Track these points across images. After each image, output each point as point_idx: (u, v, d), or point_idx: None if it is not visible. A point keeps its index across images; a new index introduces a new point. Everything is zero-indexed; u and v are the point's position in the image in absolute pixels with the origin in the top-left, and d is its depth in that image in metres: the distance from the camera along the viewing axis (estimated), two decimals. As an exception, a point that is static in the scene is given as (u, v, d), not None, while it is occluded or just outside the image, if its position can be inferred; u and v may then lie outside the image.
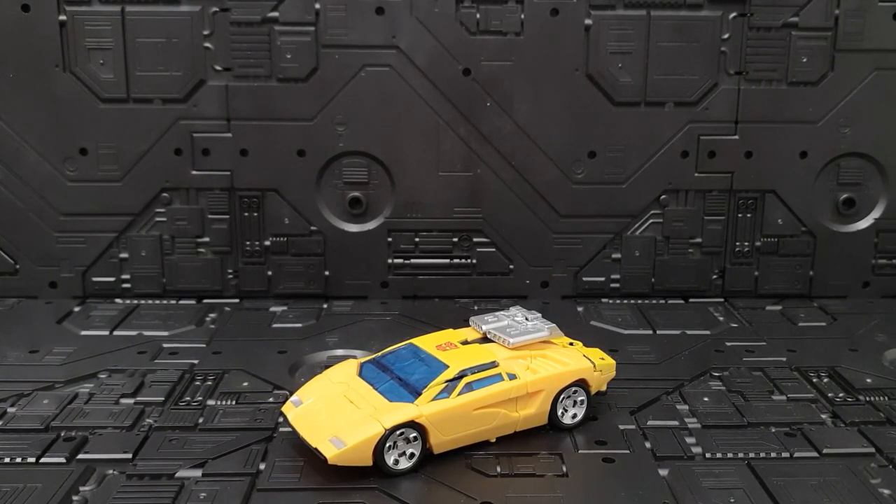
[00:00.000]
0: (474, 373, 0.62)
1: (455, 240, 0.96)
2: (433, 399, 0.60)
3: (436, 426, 0.60)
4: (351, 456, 0.57)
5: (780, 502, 0.57)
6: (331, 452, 0.57)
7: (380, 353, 0.68)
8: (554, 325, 0.69)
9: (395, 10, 0.90)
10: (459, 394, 0.61)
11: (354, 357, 0.80)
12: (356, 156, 0.93)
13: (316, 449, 0.58)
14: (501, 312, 0.72)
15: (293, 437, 0.62)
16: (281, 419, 0.67)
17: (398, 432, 0.59)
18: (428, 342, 0.67)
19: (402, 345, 0.68)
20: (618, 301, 0.96)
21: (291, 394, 0.65)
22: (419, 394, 0.60)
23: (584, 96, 0.92)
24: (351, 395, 0.62)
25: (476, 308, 0.93)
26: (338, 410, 0.61)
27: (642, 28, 0.91)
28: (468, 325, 0.70)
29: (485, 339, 0.68)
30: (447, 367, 0.62)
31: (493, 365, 0.64)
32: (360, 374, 0.65)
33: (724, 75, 0.92)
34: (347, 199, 0.94)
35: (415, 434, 0.59)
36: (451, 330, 0.71)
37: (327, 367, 0.78)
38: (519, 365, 0.65)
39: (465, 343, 0.67)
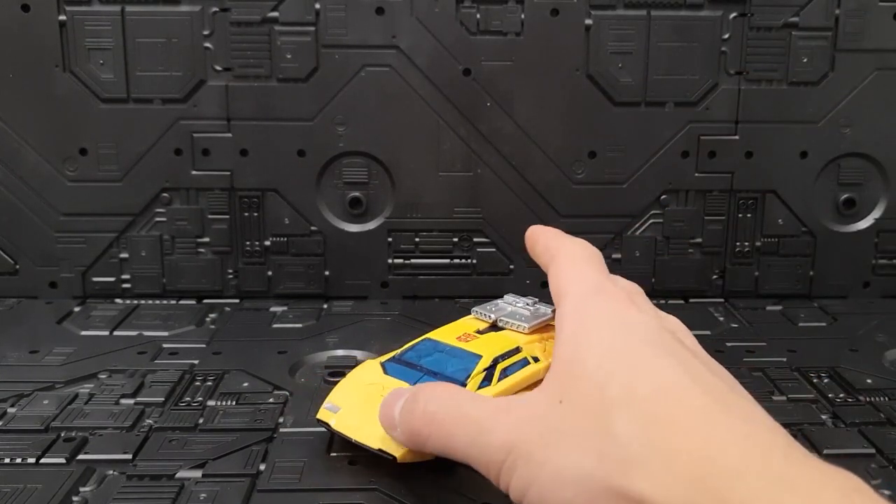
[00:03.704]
0: (504, 359, 0.63)
1: (455, 240, 0.96)
2: (478, 388, 0.61)
3: None
4: (418, 451, 0.57)
5: (780, 503, 0.57)
6: (399, 451, 0.57)
7: (398, 352, 0.67)
8: (554, 306, 0.70)
9: (395, 10, 0.90)
10: (498, 380, 0.62)
11: (355, 357, 0.80)
12: (356, 156, 0.93)
13: (381, 450, 0.57)
14: (499, 301, 0.73)
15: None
16: (282, 418, 0.67)
17: None
18: (445, 335, 0.67)
19: (418, 341, 0.67)
20: (618, 301, 0.96)
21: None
22: (462, 384, 0.60)
23: (584, 96, 0.92)
24: None
25: (476, 308, 0.93)
26: None
27: (642, 28, 0.91)
28: (467, 317, 0.71)
29: (492, 328, 0.68)
30: (480, 356, 0.63)
31: (518, 350, 0.65)
32: (387, 374, 0.64)
33: (724, 75, 0.92)
34: (347, 199, 0.94)
35: None
36: (458, 322, 0.71)
37: (327, 367, 0.78)
38: (537, 347, 0.66)
39: (480, 332, 0.68)
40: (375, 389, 0.62)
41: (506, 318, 0.69)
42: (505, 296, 0.74)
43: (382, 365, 0.65)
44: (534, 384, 0.63)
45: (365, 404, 0.60)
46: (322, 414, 0.62)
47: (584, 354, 0.47)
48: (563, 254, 0.58)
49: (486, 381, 0.61)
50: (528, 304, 0.71)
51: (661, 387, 0.44)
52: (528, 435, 0.46)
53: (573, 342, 0.49)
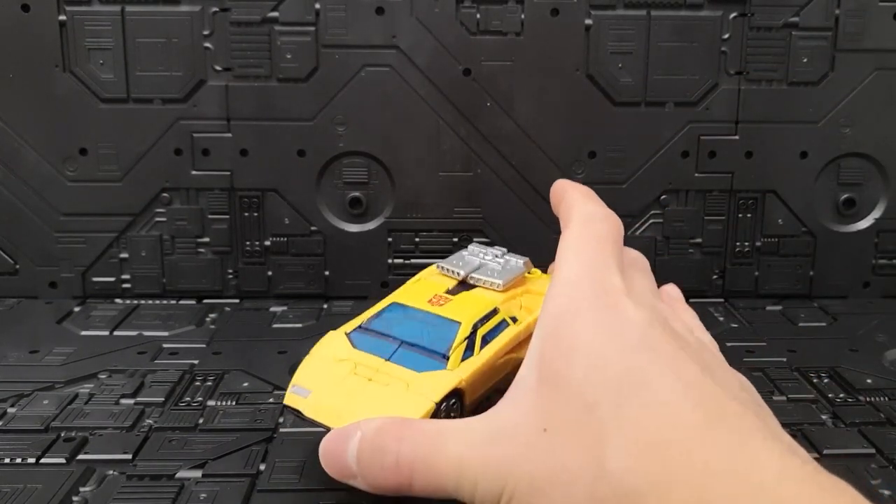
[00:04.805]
0: (483, 324, 0.60)
1: (455, 240, 0.96)
2: (462, 360, 0.57)
3: (471, 387, 0.57)
4: None
5: (780, 503, 0.57)
6: None
7: (364, 319, 0.62)
8: (526, 258, 0.67)
9: (395, 10, 0.90)
10: (480, 349, 0.59)
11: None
12: (356, 156, 0.93)
13: None
14: (465, 253, 0.68)
15: (305, 428, 0.59)
16: (282, 417, 0.67)
17: (443, 403, 0.55)
18: (413, 298, 0.63)
19: (385, 306, 0.63)
20: (618, 301, 0.96)
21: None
22: (444, 357, 0.57)
23: (584, 96, 0.92)
24: (364, 373, 0.57)
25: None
26: (363, 392, 0.55)
27: (642, 28, 0.91)
28: (431, 271, 0.67)
29: (462, 286, 0.65)
30: (459, 323, 0.59)
31: (496, 312, 0.61)
32: (357, 348, 0.59)
33: (724, 75, 0.92)
34: (347, 199, 0.94)
35: (454, 401, 0.56)
36: (422, 279, 0.66)
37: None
38: (514, 305, 0.63)
39: (450, 293, 0.63)
40: (347, 367, 0.57)
41: (477, 276, 0.64)
42: (470, 246, 0.69)
43: (348, 336, 0.61)
44: (515, 347, 0.60)
45: (337, 386, 0.56)
46: (290, 399, 0.57)
47: (568, 365, 0.44)
48: (575, 223, 0.53)
49: (469, 350, 0.58)
50: (496, 257, 0.67)
51: (653, 404, 0.41)
52: (517, 477, 0.44)
53: (555, 344, 0.46)
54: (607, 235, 0.52)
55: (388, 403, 0.54)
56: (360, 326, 0.62)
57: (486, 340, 0.59)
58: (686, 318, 0.57)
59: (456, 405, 0.56)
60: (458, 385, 0.56)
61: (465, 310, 0.61)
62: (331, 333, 0.62)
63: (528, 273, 0.68)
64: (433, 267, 0.67)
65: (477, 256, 0.67)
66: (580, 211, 0.54)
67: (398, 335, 0.59)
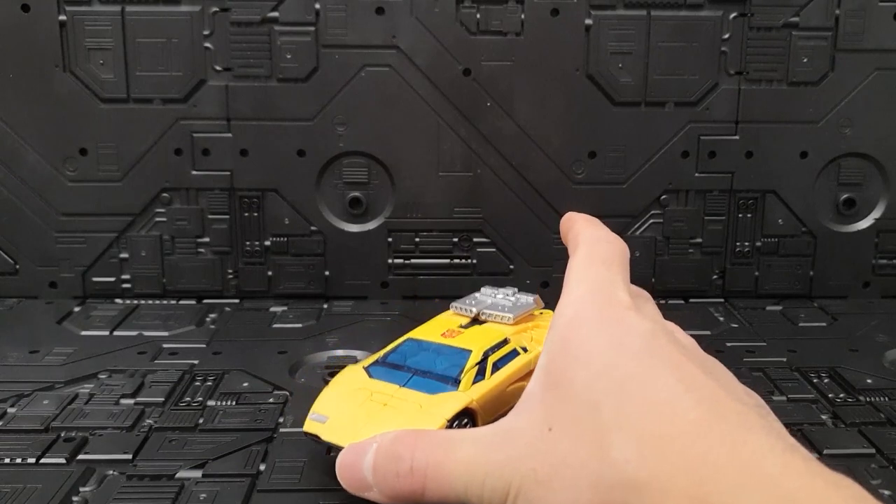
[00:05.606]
0: (494, 352, 0.62)
1: (455, 240, 0.96)
2: (473, 383, 0.60)
3: (483, 408, 0.59)
4: None
5: (780, 503, 0.57)
6: None
7: (380, 354, 0.66)
8: (536, 295, 0.70)
9: (395, 10, 0.90)
10: (491, 374, 0.61)
11: (355, 358, 0.80)
12: (356, 156, 0.93)
13: None
14: (477, 294, 0.72)
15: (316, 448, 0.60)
16: (282, 417, 0.67)
17: (455, 422, 0.57)
18: (428, 333, 0.66)
19: (401, 341, 0.66)
20: (618, 301, 0.96)
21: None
22: (456, 381, 0.60)
23: (584, 96, 0.92)
24: (380, 399, 0.59)
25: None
26: (378, 415, 0.58)
27: (642, 28, 0.91)
28: (446, 313, 0.70)
29: (474, 322, 0.68)
30: (470, 351, 0.62)
31: (506, 342, 0.64)
32: (373, 378, 0.62)
33: (724, 75, 0.92)
34: (347, 199, 0.94)
35: (466, 420, 0.58)
36: (437, 318, 0.70)
37: (327, 367, 0.78)
38: (524, 338, 0.66)
39: (463, 328, 0.67)
40: (363, 395, 0.60)
41: (488, 311, 0.68)
42: (482, 289, 0.73)
43: (366, 370, 0.64)
44: (525, 375, 0.63)
45: (354, 411, 0.59)
46: (309, 426, 0.59)
47: (573, 372, 0.45)
48: (582, 247, 0.55)
49: (480, 374, 0.61)
50: (507, 296, 0.70)
51: (654, 403, 0.42)
52: (522, 473, 0.45)
53: (562, 353, 0.47)
54: (613, 256, 0.54)
55: (401, 423, 0.56)
56: (376, 361, 0.65)
57: (496, 367, 0.62)
58: (686, 339, 0.57)
59: (468, 425, 0.58)
60: (469, 405, 0.58)
61: (477, 340, 0.64)
62: (350, 367, 0.65)
63: (539, 310, 0.70)
64: (448, 310, 0.71)
65: (489, 297, 0.71)
66: (586, 235, 0.56)
67: (412, 365, 0.63)
